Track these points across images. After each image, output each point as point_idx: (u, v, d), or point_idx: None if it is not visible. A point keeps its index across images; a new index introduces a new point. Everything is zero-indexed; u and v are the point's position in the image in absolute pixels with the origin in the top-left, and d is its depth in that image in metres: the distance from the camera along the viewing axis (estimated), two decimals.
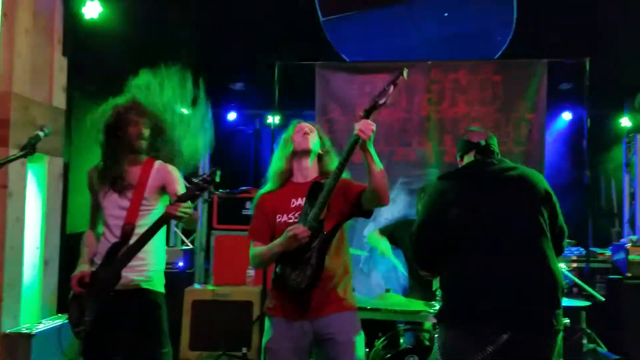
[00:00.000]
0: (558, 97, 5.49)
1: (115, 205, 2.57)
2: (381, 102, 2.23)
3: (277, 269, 2.37)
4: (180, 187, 2.58)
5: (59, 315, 3.86)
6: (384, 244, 3.76)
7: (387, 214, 4.87)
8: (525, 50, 4.85)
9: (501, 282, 2.12)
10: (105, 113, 2.64)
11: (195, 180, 2.35)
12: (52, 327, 3.60)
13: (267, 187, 2.55)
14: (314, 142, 2.50)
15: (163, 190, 2.60)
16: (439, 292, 3.37)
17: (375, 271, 4.85)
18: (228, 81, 5.88)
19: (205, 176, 2.33)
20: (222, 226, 4.86)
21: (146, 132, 2.61)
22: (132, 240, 2.49)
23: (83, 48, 4.38)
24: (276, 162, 2.54)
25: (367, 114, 2.23)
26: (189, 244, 5.59)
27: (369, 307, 3.28)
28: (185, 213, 2.38)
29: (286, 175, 2.52)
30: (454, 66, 4.77)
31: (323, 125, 4.84)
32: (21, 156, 2.40)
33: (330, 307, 2.35)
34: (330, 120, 4.85)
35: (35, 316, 3.76)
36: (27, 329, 3.46)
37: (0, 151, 3.38)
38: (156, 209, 2.59)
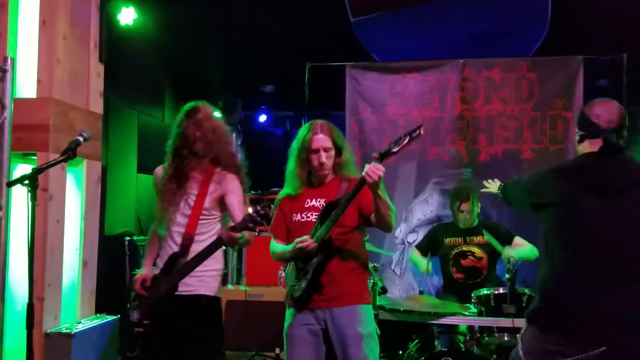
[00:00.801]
0: (596, 94, 5.33)
1: (178, 212, 2.62)
2: (395, 150, 2.30)
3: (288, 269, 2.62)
4: (239, 197, 2.64)
5: (98, 315, 3.94)
6: (424, 264, 3.80)
7: (419, 214, 4.83)
8: (562, 46, 4.73)
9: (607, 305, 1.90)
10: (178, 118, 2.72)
11: (251, 212, 2.43)
12: (92, 326, 3.68)
13: (285, 190, 2.68)
14: (330, 164, 2.58)
15: (223, 199, 2.63)
16: (473, 295, 3.34)
17: (408, 273, 4.81)
18: (259, 84, 5.93)
19: (259, 209, 2.39)
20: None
21: (205, 134, 2.63)
22: (192, 249, 2.57)
23: (118, 54, 4.47)
24: (292, 166, 2.64)
25: (380, 158, 2.30)
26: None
27: (402, 309, 3.27)
28: (237, 242, 2.48)
29: (302, 180, 2.63)
30: (487, 64, 4.70)
31: (353, 125, 4.85)
32: (62, 160, 2.48)
33: (341, 300, 2.49)
34: (360, 120, 4.83)
35: (75, 316, 3.85)
36: (67, 329, 3.52)
37: (40, 155, 3.47)
38: (217, 218, 2.67)
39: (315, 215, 2.53)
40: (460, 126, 4.72)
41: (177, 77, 5.65)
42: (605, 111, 2.10)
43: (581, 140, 2.14)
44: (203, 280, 2.60)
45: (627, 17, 4.52)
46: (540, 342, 1.99)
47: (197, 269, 2.55)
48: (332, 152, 2.57)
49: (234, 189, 2.63)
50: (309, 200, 2.60)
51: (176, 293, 2.54)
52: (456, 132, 4.72)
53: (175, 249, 2.59)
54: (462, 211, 3.87)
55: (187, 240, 2.58)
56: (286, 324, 2.58)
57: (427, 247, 4.03)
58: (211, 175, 2.64)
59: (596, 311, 1.91)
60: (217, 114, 5.52)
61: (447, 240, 3.98)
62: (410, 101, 4.82)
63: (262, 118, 6.46)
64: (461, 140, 4.71)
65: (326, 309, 2.49)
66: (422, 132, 2.33)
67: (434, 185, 4.82)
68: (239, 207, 2.59)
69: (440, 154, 4.79)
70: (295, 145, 2.65)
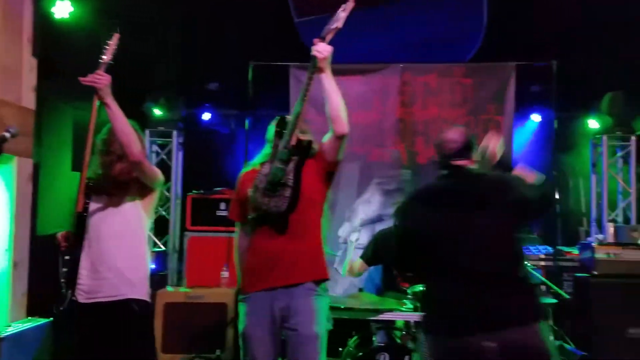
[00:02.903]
0: (529, 99, 5.62)
1: None
2: (334, 26, 2.40)
3: (254, 207, 2.44)
4: None
5: (30, 318, 3.79)
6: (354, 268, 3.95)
7: (362, 214, 4.93)
8: (497, 54, 4.94)
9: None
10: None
11: None
12: (23, 329, 3.54)
13: (244, 169, 2.66)
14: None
15: None
16: (409, 291, 3.45)
17: None
18: (203, 81, 5.85)
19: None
20: (196, 227, 4.83)
21: None
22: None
23: (53, 48, 4.32)
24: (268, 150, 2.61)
25: (322, 38, 2.41)
26: (161, 246, 5.54)
27: (342, 307, 3.33)
28: None
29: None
30: (425, 69, 4.86)
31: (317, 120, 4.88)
32: None
33: (298, 275, 2.44)
34: (305, 122, 4.87)
35: (5, 319, 3.70)
36: None
37: None
38: None
39: None
40: (401, 129, 4.86)
41: (117, 72, 5.49)
42: (448, 137, 2.34)
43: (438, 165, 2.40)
44: (132, 284, 2.52)
45: (557, 26, 4.76)
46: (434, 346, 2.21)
47: (124, 271, 2.50)
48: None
49: None
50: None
51: (102, 299, 2.45)
52: (396, 134, 4.86)
53: None
54: None
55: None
56: (242, 323, 2.51)
57: (373, 257, 4.11)
58: None
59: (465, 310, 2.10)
60: (158, 111, 5.45)
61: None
62: (352, 103, 4.85)
63: (206, 116, 6.38)
64: (401, 142, 4.86)
65: (280, 288, 2.45)
66: (353, 1, 2.41)
67: (376, 186, 4.93)
68: None
69: (382, 155, 4.91)
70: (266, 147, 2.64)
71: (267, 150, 2.61)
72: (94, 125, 2.52)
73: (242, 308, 2.52)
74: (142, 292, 2.55)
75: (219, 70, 5.63)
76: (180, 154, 5.68)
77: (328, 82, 2.44)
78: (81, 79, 2.41)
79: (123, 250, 2.54)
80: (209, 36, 5.17)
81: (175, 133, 5.58)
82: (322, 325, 2.46)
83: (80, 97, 5.13)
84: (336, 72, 4.81)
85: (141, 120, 4.37)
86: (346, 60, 5.03)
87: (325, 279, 2.52)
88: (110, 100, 2.42)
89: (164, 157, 5.69)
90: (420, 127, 4.85)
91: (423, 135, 4.84)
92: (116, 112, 2.42)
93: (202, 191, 4.95)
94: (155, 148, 5.73)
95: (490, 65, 4.85)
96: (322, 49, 2.39)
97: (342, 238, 4.96)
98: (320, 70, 2.43)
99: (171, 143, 5.62)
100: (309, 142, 2.52)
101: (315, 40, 2.43)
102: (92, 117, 2.48)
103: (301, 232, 2.47)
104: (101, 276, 2.49)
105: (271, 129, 2.61)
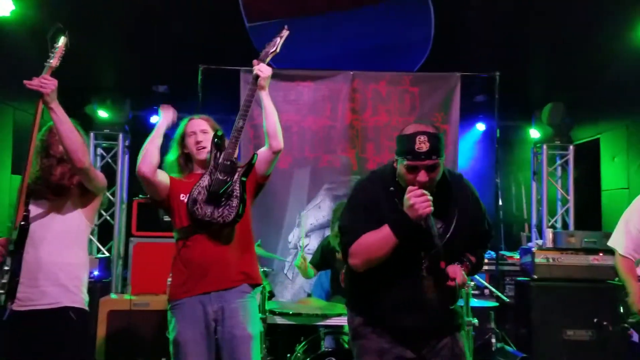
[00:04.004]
0: (473, 109, 5.80)
1: None
2: (273, 50, 2.65)
3: (194, 219, 2.48)
4: None
5: None
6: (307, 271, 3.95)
7: (312, 219, 4.94)
8: (444, 65, 5.07)
9: None
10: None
11: None
12: None
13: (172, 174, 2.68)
14: (208, 147, 2.62)
15: None
16: None
17: (299, 277, 4.89)
18: (151, 83, 5.73)
19: None
20: (141, 233, 4.71)
21: None
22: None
23: None
24: (171, 158, 2.69)
25: (264, 60, 2.63)
26: (105, 252, 5.38)
27: (291, 312, 3.32)
28: None
29: (183, 168, 2.68)
30: (374, 77, 4.95)
31: (249, 130, 4.86)
32: None
33: (233, 279, 2.50)
34: (255, 126, 4.85)
35: None
36: None
37: None
38: None
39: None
40: (351, 135, 4.91)
41: (62, 72, 5.31)
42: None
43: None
44: (69, 292, 2.43)
45: (500, 39, 4.94)
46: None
47: (62, 279, 2.41)
48: (210, 136, 2.64)
49: None
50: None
51: (38, 307, 2.36)
52: (347, 140, 4.91)
53: None
54: None
55: None
56: (173, 332, 2.51)
57: (322, 262, 4.14)
58: None
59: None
60: (103, 113, 5.29)
61: (339, 255, 4.10)
62: (303, 109, 4.94)
63: (154, 119, 6.25)
64: (352, 148, 4.91)
65: (215, 292, 2.50)
66: (288, 30, 2.68)
67: (326, 192, 4.95)
68: None
69: (332, 161, 4.94)
70: (173, 143, 2.71)
71: (174, 154, 2.68)
72: (38, 129, 2.42)
73: (173, 315, 2.52)
74: (79, 300, 2.47)
75: (168, 72, 5.53)
76: (127, 158, 5.53)
77: (267, 100, 2.63)
78: (26, 82, 2.31)
79: (62, 257, 2.44)
80: (158, 37, 5.07)
81: (121, 136, 5.43)
82: (256, 326, 2.53)
83: (20, 97, 4.95)
84: (287, 78, 4.96)
85: (85, 122, 4.24)
86: (297, 67, 5.06)
87: (259, 285, 2.62)
88: (56, 105, 2.32)
89: (109, 160, 5.53)
90: (371, 133, 4.92)
91: (373, 141, 4.91)
92: (62, 117, 2.33)
93: (148, 196, 4.82)
94: (100, 151, 5.56)
95: (437, 75, 4.99)
96: (264, 70, 2.59)
97: (292, 243, 4.96)
98: (261, 88, 2.61)
99: (117, 146, 5.47)
100: (254, 155, 2.59)
101: (255, 61, 2.62)
102: (35, 122, 2.37)
103: (240, 241, 2.55)
104: (38, 283, 2.40)
105: (179, 131, 2.70)
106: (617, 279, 4.48)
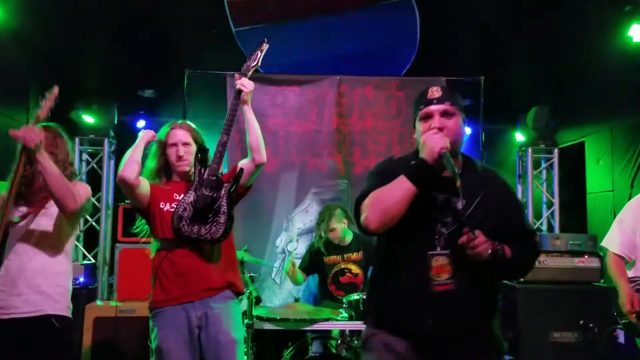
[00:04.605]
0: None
1: None
2: (254, 63, 2.64)
3: (179, 235, 2.46)
4: None
5: None
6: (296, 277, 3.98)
7: (300, 223, 4.93)
8: (429, 69, 5.10)
9: None
10: None
11: None
12: None
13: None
14: (189, 160, 2.62)
15: None
16: (345, 300, 3.48)
17: (287, 282, 4.87)
18: (137, 87, 5.69)
19: None
20: (127, 239, 4.67)
21: None
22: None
23: None
24: (150, 165, 2.66)
25: (244, 75, 2.61)
26: (91, 259, 5.32)
27: (278, 318, 3.30)
28: None
29: (162, 177, 2.66)
30: (361, 82, 4.97)
31: (235, 134, 4.85)
32: None
33: (214, 287, 2.50)
34: (242, 130, 4.82)
35: None
36: None
37: None
38: None
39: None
40: (338, 139, 4.92)
41: (47, 77, 5.25)
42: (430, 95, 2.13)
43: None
44: (51, 299, 2.40)
45: (485, 44, 4.98)
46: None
47: (44, 286, 2.38)
48: (192, 149, 2.63)
49: None
50: (176, 194, 2.59)
51: (19, 315, 2.33)
52: (334, 145, 4.92)
53: None
54: (332, 230, 4.00)
55: None
56: (155, 340, 2.50)
57: (310, 266, 4.16)
58: None
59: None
60: (89, 118, 5.24)
61: (327, 259, 4.10)
62: (290, 113, 4.94)
63: (141, 124, 6.21)
64: (338, 152, 4.92)
65: (200, 301, 2.52)
66: (267, 44, 2.67)
67: (313, 195, 4.96)
68: None
69: (319, 165, 4.95)
70: (153, 147, 2.68)
71: (153, 161, 2.65)
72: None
73: (155, 324, 2.52)
74: (62, 307, 2.44)
75: (154, 77, 5.51)
76: (112, 163, 5.48)
77: (250, 114, 2.61)
78: (12, 132, 2.23)
79: (43, 264, 2.41)
80: (144, 42, 5.04)
81: (106, 141, 5.38)
82: (240, 331, 2.54)
83: (4, 102, 4.89)
84: (274, 82, 4.96)
85: (70, 127, 4.19)
86: (284, 71, 5.07)
87: (242, 293, 2.65)
88: (40, 156, 2.25)
89: (95, 166, 5.48)
90: (357, 137, 4.94)
91: (360, 145, 4.93)
92: (48, 167, 2.26)
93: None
94: (85, 157, 5.51)
95: (423, 80, 5.00)
96: (247, 84, 2.58)
97: (279, 248, 4.95)
98: (244, 102, 2.59)
99: (102, 151, 5.42)
100: (241, 170, 2.58)
101: (237, 75, 2.62)
102: (18, 171, 2.33)
103: (223, 254, 2.56)
104: (19, 291, 2.36)
105: (160, 136, 2.66)
106: (602, 281, 4.53)
